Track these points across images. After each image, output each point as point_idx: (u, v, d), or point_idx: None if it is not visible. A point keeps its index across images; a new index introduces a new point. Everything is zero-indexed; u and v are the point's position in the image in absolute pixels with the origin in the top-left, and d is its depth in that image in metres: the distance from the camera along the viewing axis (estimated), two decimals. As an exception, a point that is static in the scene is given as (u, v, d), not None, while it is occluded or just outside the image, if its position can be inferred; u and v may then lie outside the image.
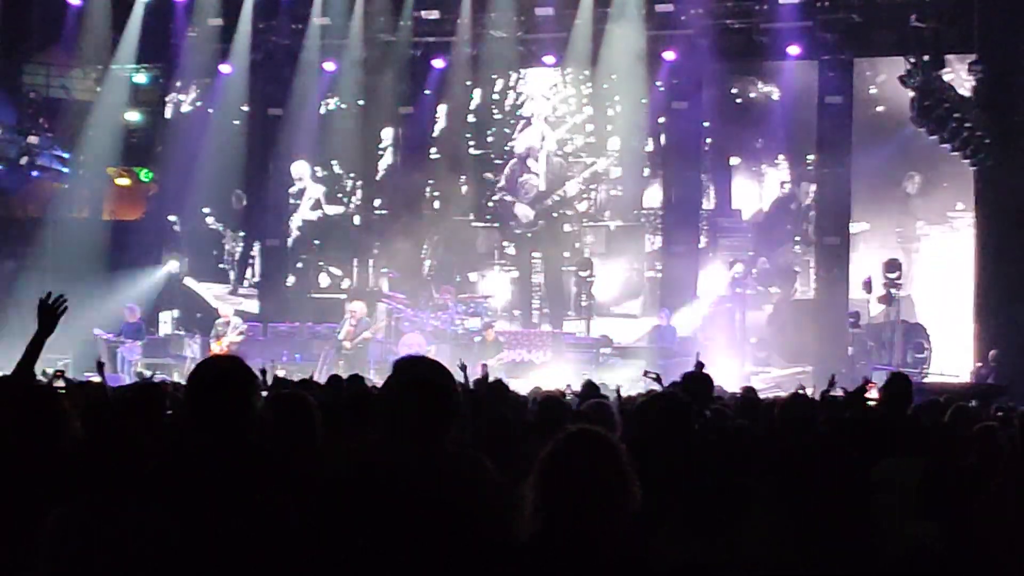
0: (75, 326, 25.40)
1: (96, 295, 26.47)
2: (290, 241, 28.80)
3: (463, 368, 13.07)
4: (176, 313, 28.12)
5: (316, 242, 28.81)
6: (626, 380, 21.36)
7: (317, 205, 28.78)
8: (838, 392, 11.26)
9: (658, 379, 12.35)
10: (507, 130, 27.89)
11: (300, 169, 28.67)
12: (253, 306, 28.09)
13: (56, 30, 27.12)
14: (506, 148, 27.89)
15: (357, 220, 28.78)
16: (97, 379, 12.09)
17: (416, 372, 4.39)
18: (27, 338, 6.60)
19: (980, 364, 21.93)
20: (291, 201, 28.75)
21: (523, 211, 27.62)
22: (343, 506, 4.18)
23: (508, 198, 27.70)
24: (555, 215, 27.50)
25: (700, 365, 12.83)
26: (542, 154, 27.59)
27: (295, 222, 28.78)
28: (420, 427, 4.26)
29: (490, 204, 27.98)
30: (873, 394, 10.34)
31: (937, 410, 9.68)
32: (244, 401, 4.63)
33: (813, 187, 25.60)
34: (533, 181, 27.58)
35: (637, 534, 3.88)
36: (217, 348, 24.06)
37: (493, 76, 27.49)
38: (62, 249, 27.37)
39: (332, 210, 28.70)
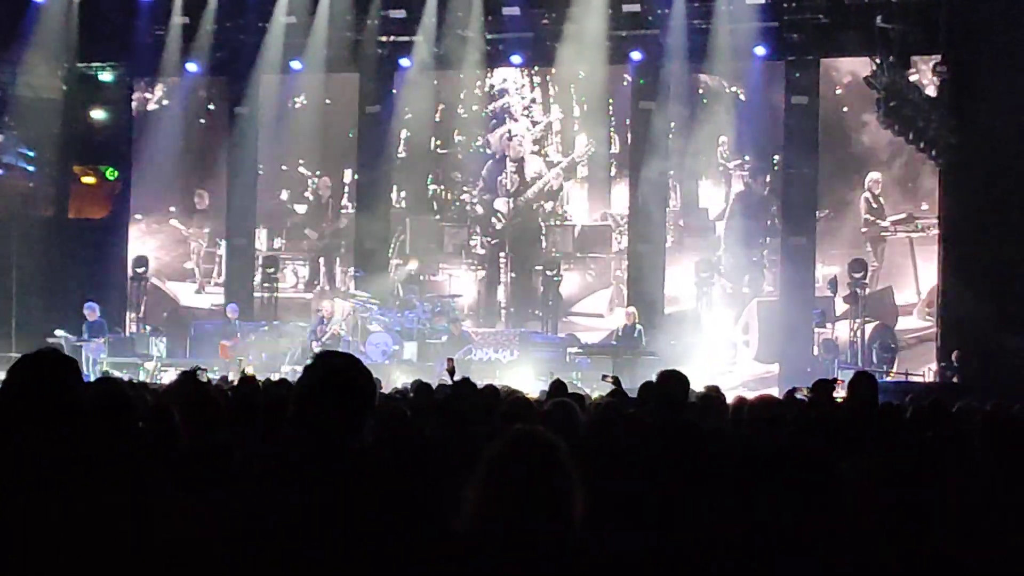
0: (39, 325, 25.45)
1: (60, 294, 26.40)
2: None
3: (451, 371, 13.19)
4: (141, 312, 28.02)
5: (282, 241, 28.76)
6: (591, 379, 21.46)
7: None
8: (802, 395, 11.28)
9: (616, 382, 12.38)
10: (474, 129, 27.86)
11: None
12: (219, 305, 27.96)
13: (20, 27, 26.93)
14: (473, 147, 27.86)
15: (323, 219, 28.69)
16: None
17: (330, 365, 4.34)
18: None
19: (943, 364, 22.09)
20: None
21: (501, 210, 27.61)
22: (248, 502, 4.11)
23: (487, 196, 27.68)
24: (523, 214, 27.49)
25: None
26: (513, 154, 27.57)
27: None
28: (330, 420, 4.21)
29: (459, 204, 27.97)
30: (841, 392, 10.39)
31: (899, 410, 9.72)
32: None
33: (780, 187, 25.66)
34: (505, 181, 27.58)
35: (581, 537, 3.86)
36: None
37: (460, 76, 27.47)
38: (27, 247, 27.24)
39: (299, 209, 28.61)
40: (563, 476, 3.85)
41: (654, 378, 8.70)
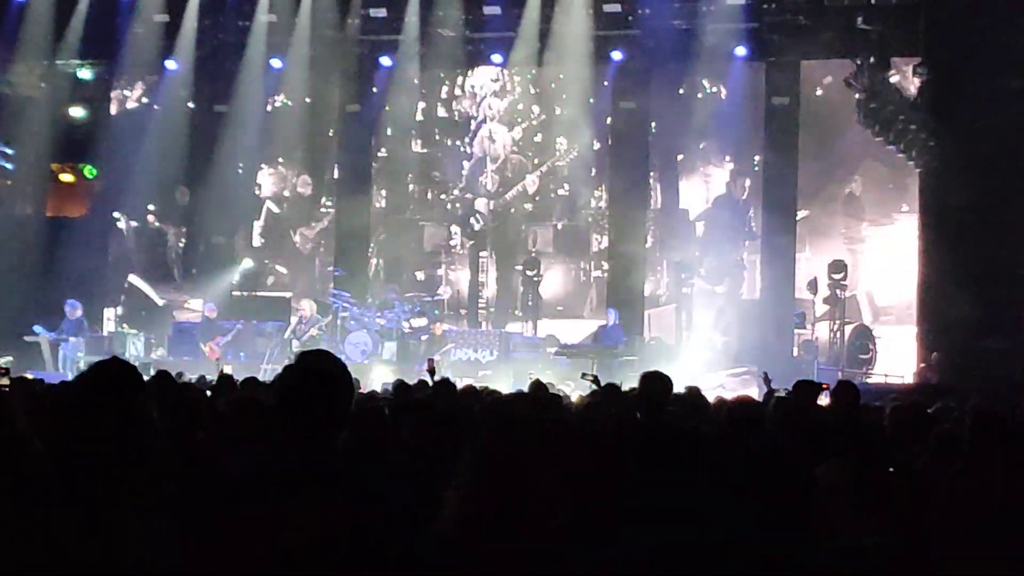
0: (17, 324, 25.33)
1: (38, 292, 26.28)
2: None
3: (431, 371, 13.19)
4: (119, 310, 27.91)
5: (262, 240, 28.73)
6: (570, 380, 21.44)
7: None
8: (780, 392, 11.26)
9: (596, 381, 12.35)
10: (455, 129, 27.87)
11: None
12: (197, 304, 27.89)
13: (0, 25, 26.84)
14: (453, 147, 27.87)
15: (303, 218, 28.65)
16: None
17: (310, 365, 4.30)
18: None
19: (924, 365, 22.11)
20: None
21: (481, 210, 27.61)
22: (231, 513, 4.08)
23: (467, 196, 27.70)
24: (503, 214, 27.50)
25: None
26: (493, 153, 27.57)
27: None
28: (311, 421, 4.16)
29: (439, 203, 28.00)
30: (823, 399, 10.38)
31: (878, 411, 9.73)
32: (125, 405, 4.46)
33: (760, 188, 25.68)
34: (485, 181, 27.59)
35: (566, 531, 3.85)
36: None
37: (441, 75, 27.46)
38: (4, 245, 27.13)
39: (278, 208, 28.57)
40: (539, 476, 3.84)
41: (620, 381, 8.70)
